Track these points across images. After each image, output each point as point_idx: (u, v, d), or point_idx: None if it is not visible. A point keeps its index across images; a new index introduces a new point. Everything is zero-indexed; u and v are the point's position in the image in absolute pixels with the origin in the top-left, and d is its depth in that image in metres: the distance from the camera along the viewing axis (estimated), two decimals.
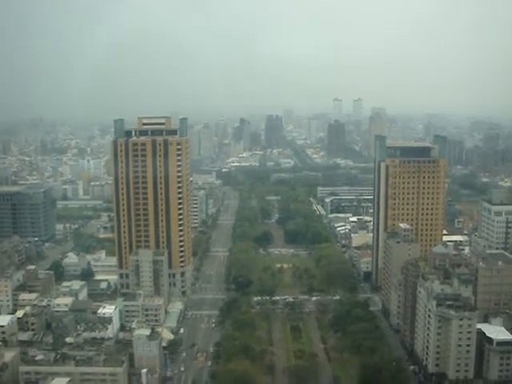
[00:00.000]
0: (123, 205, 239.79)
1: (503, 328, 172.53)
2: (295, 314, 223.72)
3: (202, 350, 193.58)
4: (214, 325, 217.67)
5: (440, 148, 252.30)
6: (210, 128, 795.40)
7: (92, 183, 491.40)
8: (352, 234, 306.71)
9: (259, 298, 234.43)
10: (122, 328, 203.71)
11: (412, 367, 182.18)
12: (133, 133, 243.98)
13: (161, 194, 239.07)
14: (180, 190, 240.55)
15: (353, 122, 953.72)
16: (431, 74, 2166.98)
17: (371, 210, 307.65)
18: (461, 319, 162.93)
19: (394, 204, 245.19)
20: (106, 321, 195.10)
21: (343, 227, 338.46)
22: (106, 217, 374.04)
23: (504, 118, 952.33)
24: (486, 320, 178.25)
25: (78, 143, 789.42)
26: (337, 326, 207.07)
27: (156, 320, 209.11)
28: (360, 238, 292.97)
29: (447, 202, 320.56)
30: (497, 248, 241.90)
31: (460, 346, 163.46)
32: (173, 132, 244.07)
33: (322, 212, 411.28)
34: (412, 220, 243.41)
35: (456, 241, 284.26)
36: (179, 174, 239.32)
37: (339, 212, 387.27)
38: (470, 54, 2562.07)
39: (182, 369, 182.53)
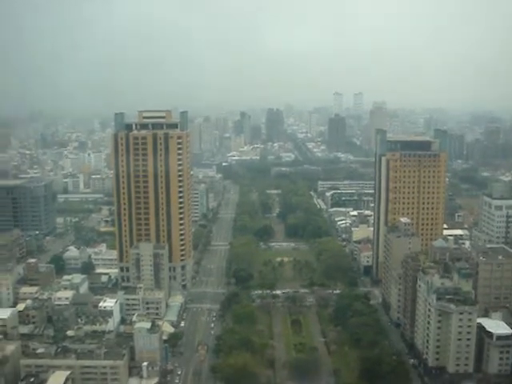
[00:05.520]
0: (124, 198, 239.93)
1: (503, 322, 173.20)
2: (296, 308, 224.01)
3: (202, 344, 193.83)
4: (214, 318, 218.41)
5: (441, 142, 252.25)
6: (211, 121, 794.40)
7: (93, 176, 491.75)
8: (352, 228, 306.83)
9: (260, 291, 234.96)
10: (123, 321, 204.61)
11: (412, 361, 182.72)
12: (133, 126, 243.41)
13: (161, 187, 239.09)
14: (181, 184, 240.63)
15: (353, 116, 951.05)
16: (432, 68, 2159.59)
17: (372, 204, 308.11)
18: (461, 313, 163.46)
19: (395, 198, 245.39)
20: (107, 314, 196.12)
21: (344, 221, 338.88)
22: (106, 210, 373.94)
23: (505, 112, 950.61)
24: (486, 314, 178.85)
25: (79, 136, 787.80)
26: (337, 319, 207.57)
27: (157, 313, 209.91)
28: (360, 232, 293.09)
29: (448, 196, 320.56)
30: (497, 242, 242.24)
31: (460, 339, 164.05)
32: (173, 126, 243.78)
33: (323, 206, 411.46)
34: (412, 214, 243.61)
35: (456, 235, 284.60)
36: (180, 168, 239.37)
37: (340, 206, 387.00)
38: (471, 49, 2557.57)
39: (183, 362, 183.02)
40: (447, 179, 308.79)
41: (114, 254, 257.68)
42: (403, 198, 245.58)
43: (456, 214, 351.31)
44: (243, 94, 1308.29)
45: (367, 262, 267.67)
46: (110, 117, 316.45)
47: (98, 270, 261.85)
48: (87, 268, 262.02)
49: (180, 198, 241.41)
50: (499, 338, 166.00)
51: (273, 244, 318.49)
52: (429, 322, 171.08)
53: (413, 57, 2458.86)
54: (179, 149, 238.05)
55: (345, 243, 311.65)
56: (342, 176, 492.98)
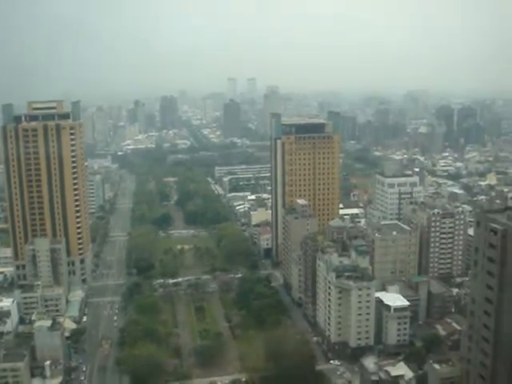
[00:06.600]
0: (16, 193, 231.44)
1: (399, 295, 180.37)
2: (199, 295, 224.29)
3: (106, 337, 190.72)
4: (117, 311, 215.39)
5: (334, 124, 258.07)
6: (104, 111, 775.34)
7: None
8: (251, 212, 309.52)
9: (161, 280, 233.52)
10: (22, 321, 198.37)
11: (315, 338, 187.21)
12: (23, 118, 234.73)
13: (55, 180, 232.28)
14: (75, 176, 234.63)
15: (248, 101, 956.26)
16: (326, 52, 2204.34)
17: (269, 188, 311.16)
18: (359, 289, 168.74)
19: (291, 180, 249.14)
20: (4, 315, 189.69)
21: (242, 206, 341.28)
22: None
23: (394, 94, 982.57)
24: (383, 288, 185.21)
25: None
26: (240, 303, 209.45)
27: (57, 310, 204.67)
28: (259, 216, 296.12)
29: (342, 177, 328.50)
30: (391, 219, 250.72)
31: (360, 314, 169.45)
32: (65, 116, 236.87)
33: (221, 191, 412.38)
34: (309, 195, 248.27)
35: (352, 214, 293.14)
36: (73, 159, 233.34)
37: (238, 191, 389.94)
38: (360, 31, 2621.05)
39: (87, 358, 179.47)
40: (341, 160, 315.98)
41: (8, 252, 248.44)
42: (299, 180, 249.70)
43: (351, 194, 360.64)
44: (137, 82, 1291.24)
45: (267, 244, 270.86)
46: None
47: None
48: None
49: (75, 190, 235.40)
50: (396, 309, 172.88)
51: (172, 232, 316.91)
52: (329, 300, 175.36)
53: (307, 41, 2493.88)
54: (72, 139, 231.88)
55: (244, 227, 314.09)
56: (238, 161, 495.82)
